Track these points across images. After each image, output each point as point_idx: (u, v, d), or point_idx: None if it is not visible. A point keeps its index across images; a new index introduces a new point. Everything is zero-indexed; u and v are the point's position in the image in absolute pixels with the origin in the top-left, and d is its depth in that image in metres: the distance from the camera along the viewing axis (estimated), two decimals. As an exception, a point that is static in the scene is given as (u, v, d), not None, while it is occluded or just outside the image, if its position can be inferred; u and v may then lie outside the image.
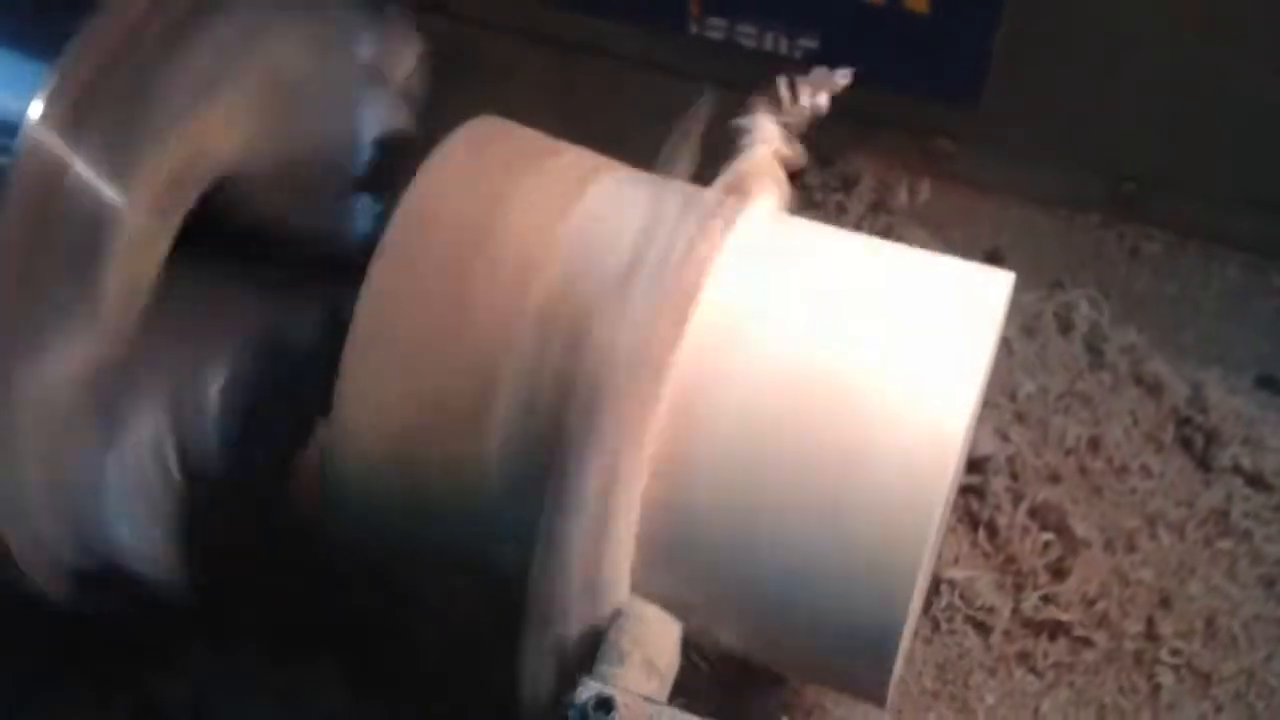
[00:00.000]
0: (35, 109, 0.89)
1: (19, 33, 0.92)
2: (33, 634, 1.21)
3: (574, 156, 1.08)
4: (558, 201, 1.03)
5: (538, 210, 1.02)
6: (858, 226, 1.55)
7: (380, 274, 1.01)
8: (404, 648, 1.25)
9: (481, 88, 1.28)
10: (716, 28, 1.56)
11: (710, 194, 1.00)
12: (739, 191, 1.02)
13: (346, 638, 1.26)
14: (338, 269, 1.05)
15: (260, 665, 1.24)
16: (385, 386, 1.01)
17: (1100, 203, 1.58)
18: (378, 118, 1.13)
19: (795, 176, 1.10)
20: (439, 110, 1.19)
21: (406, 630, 1.26)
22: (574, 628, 0.98)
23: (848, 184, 1.60)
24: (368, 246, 1.02)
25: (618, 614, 0.99)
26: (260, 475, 1.15)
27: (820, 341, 0.98)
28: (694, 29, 1.57)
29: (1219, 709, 1.26)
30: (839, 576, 0.95)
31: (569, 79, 1.64)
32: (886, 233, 1.54)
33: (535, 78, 1.63)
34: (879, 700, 1.03)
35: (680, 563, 0.99)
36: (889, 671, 0.98)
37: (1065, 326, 1.49)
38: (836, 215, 1.57)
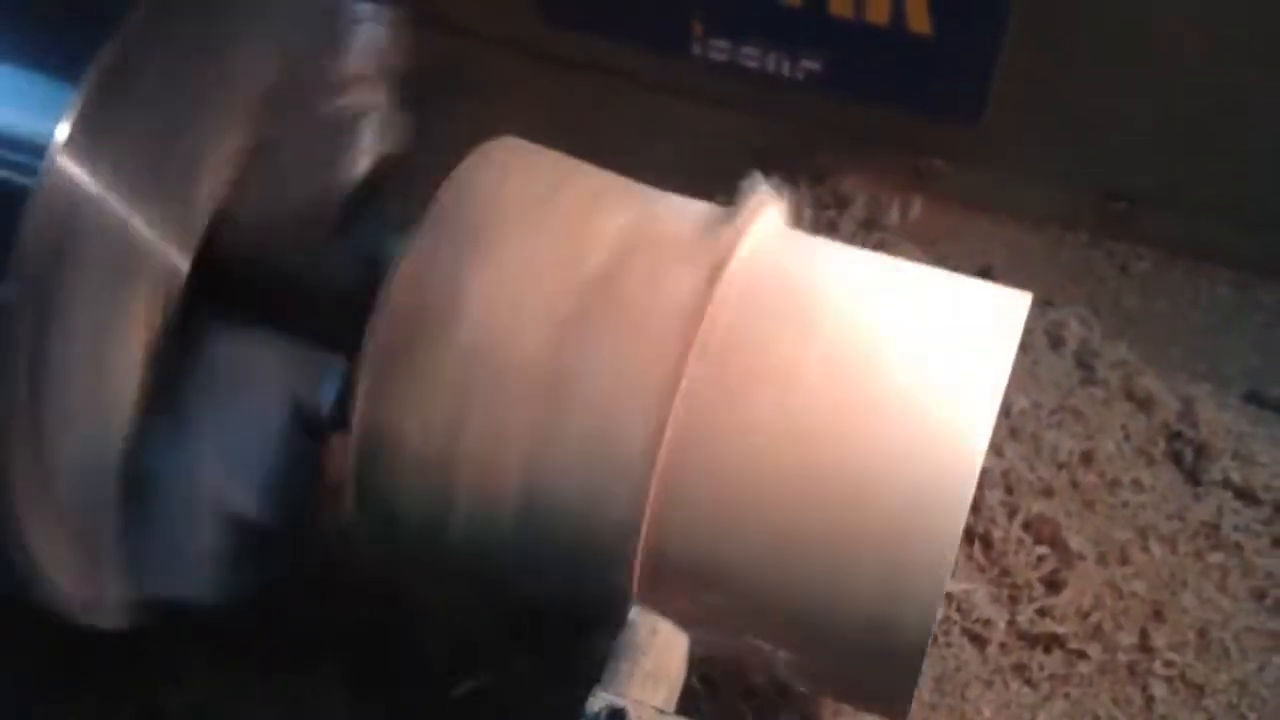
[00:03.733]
0: (61, 131, 0.88)
1: (42, 53, 0.92)
2: (36, 643, 1.21)
3: (592, 182, 1.09)
4: (574, 223, 1.03)
5: (555, 232, 1.02)
6: (850, 244, 1.56)
7: (399, 293, 1.01)
8: (407, 658, 1.25)
9: (480, 106, 1.28)
10: (720, 49, 1.56)
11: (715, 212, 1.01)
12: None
13: (349, 647, 1.26)
14: (346, 300, 1.05)
15: (263, 675, 1.24)
16: (405, 401, 1.00)
17: (1090, 221, 1.60)
18: (364, 148, 1.12)
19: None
20: (437, 128, 1.19)
21: (410, 640, 1.26)
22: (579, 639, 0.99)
23: (840, 202, 1.62)
24: (371, 276, 1.02)
25: (626, 626, 0.99)
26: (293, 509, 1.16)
27: (834, 357, 0.98)
28: (697, 50, 1.57)
29: (1212, 720, 1.28)
30: (862, 595, 0.95)
31: (570, 98, 1.64)
32: (878, 250, 1.55)
33: (536, 97, 1.63)
34: (900, 715, 1.03)
35: (689, 578, 0.99)
36: (912, 687, 0.98)
37: (1056, 343, 1.51)
38: (828, 232, 1.58)
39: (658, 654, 0.99)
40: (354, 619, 1.27)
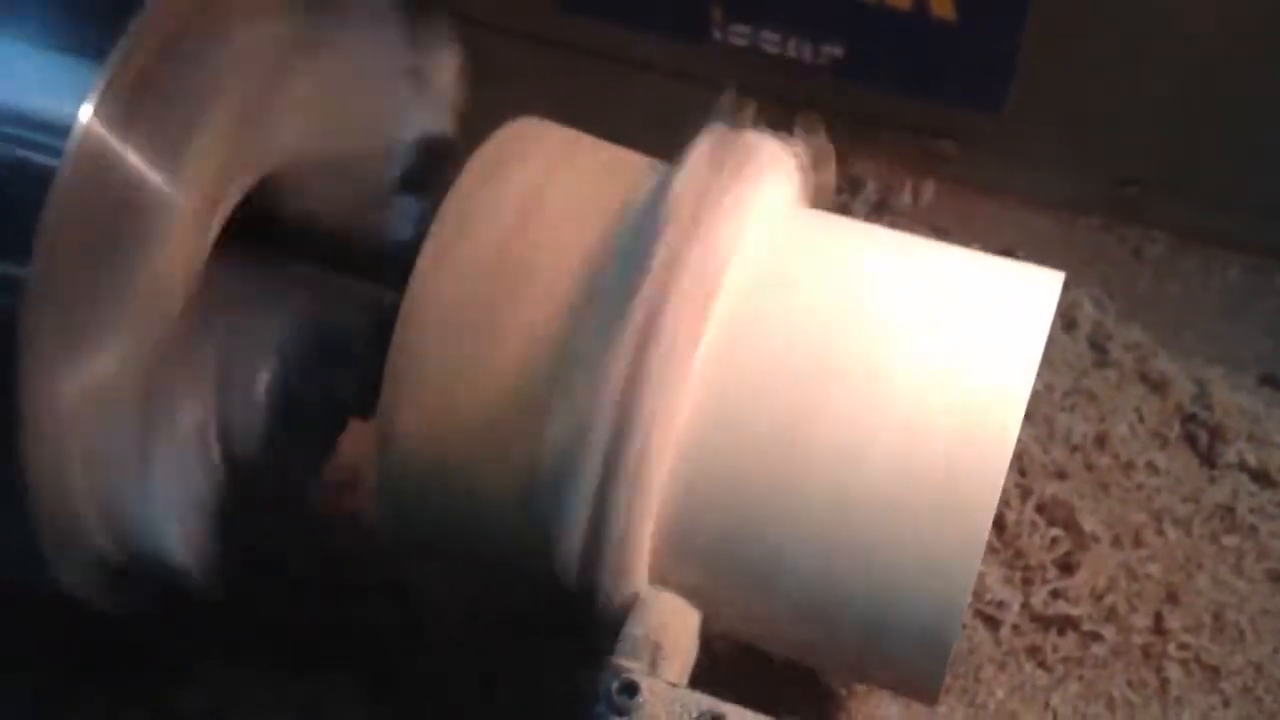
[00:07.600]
0: (85, 111, 0.88)
1: (66, 32, 0.91)
2: (47, 645, 1.21)
3: (611, 154, 1.09)
4: (596, 200, 1.03)
5: (577, 210, 1.02)
6: (863, 228, 1.56)
7: (425, 274, 1.01)
8: (422, 661, 1.25)
9: (496, 96, 1.27)
10: (740, 34, 1.55)
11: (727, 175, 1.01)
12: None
13: (361, 648, 1.26)
14: (382, 268, 1.05)
15: (277, 677, 1.24)
16: (431, 386, 1.01)
17: (1103, 205, 1.60)
18: (420, 122, 1.13)
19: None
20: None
21: (424, 643, 1.26)
22: (594, 615, 0.99)
23: (852, 186, 1.61)
24: (410, 247, 1.02)
25: (637, 601, 0.99)
26: (294, 474, 1.15)
27: (863, 334, 0.98)
28: (717, 35, 1.56)
29: (1227, 702, 1.28)
30: (891, 576, 0.95)
31: (587, 86, 1.62)
32: (890, 235, 1.55)
33: (552, 86, 1.61)
34: (930, 698, 1.03)
35: (704, 554, 0.99)
36: (943, 670, 0.98)
37: (1069, 325, 1.50)
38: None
39: (671, 630, 0.99)
40: (364, 619, 1.27)
